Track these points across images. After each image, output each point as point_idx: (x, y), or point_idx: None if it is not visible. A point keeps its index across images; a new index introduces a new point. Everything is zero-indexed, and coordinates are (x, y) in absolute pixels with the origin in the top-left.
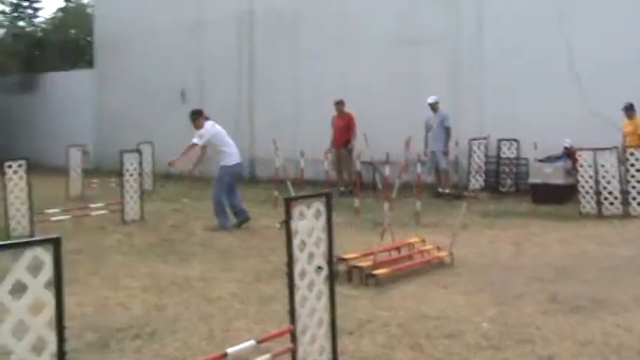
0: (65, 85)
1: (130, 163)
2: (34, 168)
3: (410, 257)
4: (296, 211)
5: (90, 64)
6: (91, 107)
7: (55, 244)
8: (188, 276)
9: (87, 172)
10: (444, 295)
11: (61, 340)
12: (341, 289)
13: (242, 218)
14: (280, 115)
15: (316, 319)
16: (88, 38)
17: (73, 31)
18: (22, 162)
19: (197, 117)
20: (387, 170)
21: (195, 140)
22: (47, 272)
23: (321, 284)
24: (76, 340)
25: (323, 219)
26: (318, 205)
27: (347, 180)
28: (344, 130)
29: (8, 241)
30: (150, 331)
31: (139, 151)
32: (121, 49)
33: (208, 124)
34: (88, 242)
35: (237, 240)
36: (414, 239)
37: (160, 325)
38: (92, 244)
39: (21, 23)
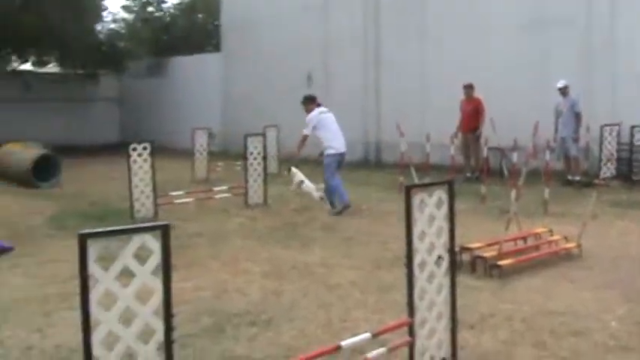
0: (192, 69)
1: (254, 146)
2: (162, 150)
3: (536, 248)
4: (417, 199)
5: (217, 47)
6: (218, 91)
7: (164, 231)
8: (308, 262)
9: (213, 155)
10: (570, 290)
11: (168, 328)
12: (463, 280)
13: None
14: (406, 98)
15: (435, 313)
16: (216, 22)
17: (200, 15)
18: (147, 145)
19: (307, 102)
20: (514, 156)
21: (305, 131)
22: (155, 259)
23: (441, 276)
24: (192, 325)
25: (445, 208)
26: (440, 193)
27: (474, 166)
28: (472, 114)
29: (116, 227)
30: (266, 318)
31: (263, 135)
32: (247, 32)
33: (315, 111)
34: (210, 225)
35: (359, 225)
36: (540, 229)
37: (277, 311)
38: (214, 227)
39: (150, 9)
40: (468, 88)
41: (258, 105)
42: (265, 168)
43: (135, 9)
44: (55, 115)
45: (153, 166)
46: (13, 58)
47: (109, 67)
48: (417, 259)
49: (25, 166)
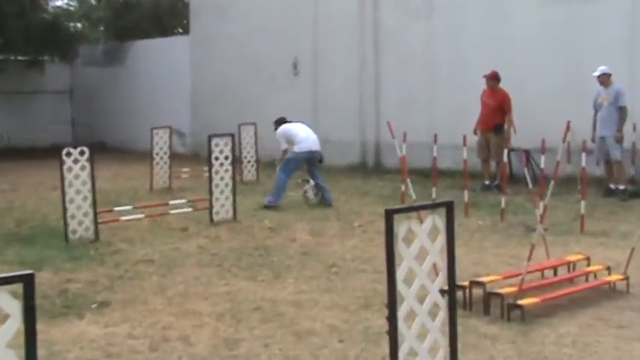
0: (157, 56)
1: (220, 150)
2: (121, 153)
3: (570, 281)
4: (402, 227)
5: (186, 30)
6: (187, 81)
7: (26, 283)
8: (277, 298)
9: (181, 159)
10: (615, 340)
11: None
12: (474, 325)
13: (325, 202)
14: (411, 89)
15: None
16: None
17: None
18: (84, 149)
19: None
20: (542, 161)
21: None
22: (12, 325)
23: (436, 331)
24: None
25: (442, 239)
26: (435, 219)
27: (494, 172)
28: (496, 110)
29: None
30: None
31: (232, 135)
32: (221, 11)
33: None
34: (161, 249)
35: (347, 249)
36: (575, 256)
37: None
38: (167, 251)
39: None
40: (491, 79)
41: (234, 98)
42: (234, 176)
43: None
44: None
45: (92, 176)
46: None
47: (56, 52)
48: (402, 309)
49: None
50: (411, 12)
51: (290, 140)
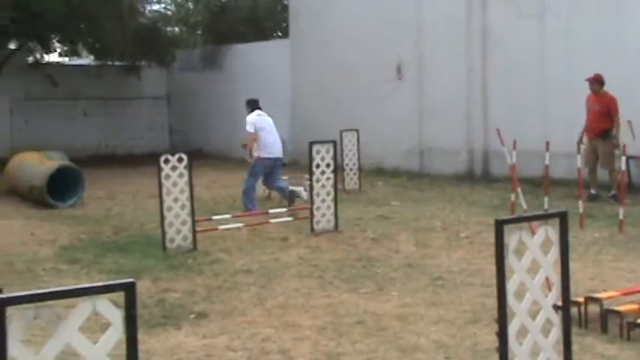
0: (256, 60)
1: (322, 157)
2: (218, 160)
3: None
4: (513, 239)
5: (286, 33)
6: (286, 86)
7: (128, 291)
8: (381, 312)
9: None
10: None
11: None
12: (590, 343)
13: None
14: (522, 94)
15: None
16: (285, 1)
17: None
18: (182, 156)
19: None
20: None
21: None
22: (114, 334)
23: (549, 350)
24: None
25: (555, 251)
26: (547, 230)
27: (610, 181)
28: (602, 115)
29: (54, 289)
30: None
31: (334, 142)
32: (321, 13)
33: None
34: (261, 259)
35: (454, 261)
36: None
37: None
38: (266, 261)
39: None
40: (595, 82)
41: (336, 104)
42: (336, 184)
43: None
44: (87, 117)
45: (191, 184)
46: (33, 45)
47: (153, 57)
48: (513, 325)
49: (39, 183)
50: (522, 13)
51: (257, 135)
